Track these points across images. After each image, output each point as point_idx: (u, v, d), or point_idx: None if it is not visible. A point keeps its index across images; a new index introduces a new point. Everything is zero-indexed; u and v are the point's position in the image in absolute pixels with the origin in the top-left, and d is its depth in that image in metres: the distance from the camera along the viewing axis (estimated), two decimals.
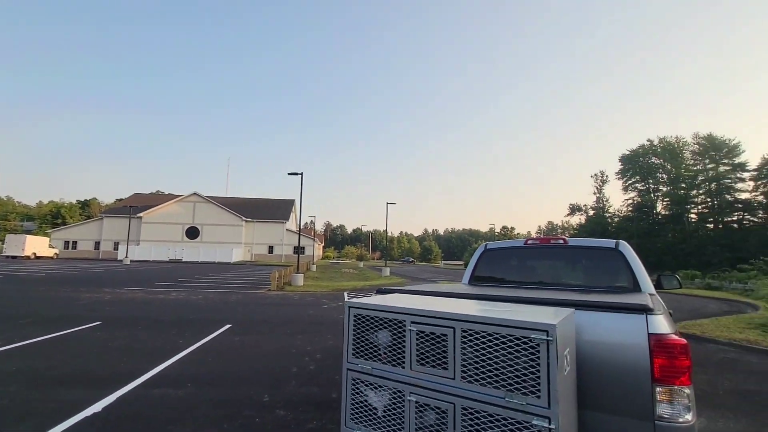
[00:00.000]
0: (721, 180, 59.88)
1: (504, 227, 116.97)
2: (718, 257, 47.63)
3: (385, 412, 2.06)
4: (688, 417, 2.03)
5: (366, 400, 2.12)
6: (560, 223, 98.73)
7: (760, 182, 55.97)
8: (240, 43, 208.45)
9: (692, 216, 62.80)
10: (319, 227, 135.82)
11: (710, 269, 42.12)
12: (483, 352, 1.77)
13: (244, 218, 59.50)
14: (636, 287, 3.71)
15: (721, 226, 59.07)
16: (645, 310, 2.14)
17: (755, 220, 56.11)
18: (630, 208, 67.93)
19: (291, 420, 3.95)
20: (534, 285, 4.25)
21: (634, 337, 2.12)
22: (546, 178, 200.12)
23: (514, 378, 1.69)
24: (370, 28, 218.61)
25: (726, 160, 59.99)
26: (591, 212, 73.69)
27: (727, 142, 59.91)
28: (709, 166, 61.31)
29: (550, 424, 1.56)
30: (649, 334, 2.09)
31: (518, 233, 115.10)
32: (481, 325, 1.77)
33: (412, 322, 1.98)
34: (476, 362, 1.79)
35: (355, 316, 2.23)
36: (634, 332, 2.13)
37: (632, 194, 68.32)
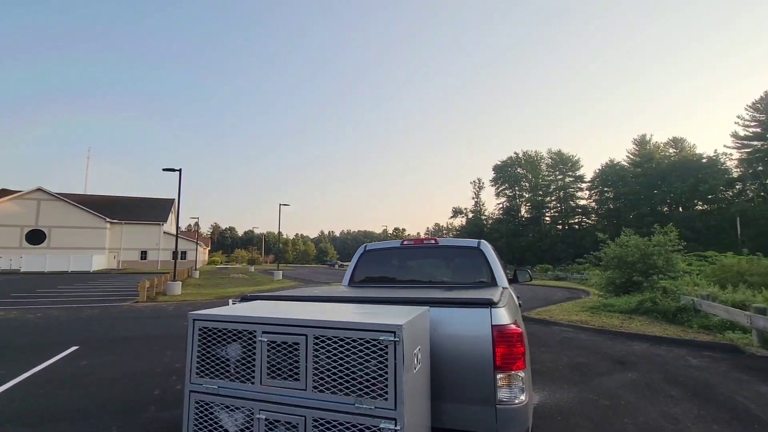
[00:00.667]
0: (567, 189, 72.43)
1: (396, 228, 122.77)
2: (565, 253, 57.43)
3: None
4: (523, 398, 2.30)
5: (214, 425, 1.91)
6: (445, 225, 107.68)
7: (592, 191, 69.42)
8: (113, 22, 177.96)
9: (547, 219, 74.54)
10: (206, 230, 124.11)
11: (559, 263, 50.61)
12: (335, 358, 1.74)
13: (108, 219, 51.03)
14: (494, 282, 4.15)
15: (567, 227, 71.39)
16: (490, 303, 2.37)
17: (589, 222, 69.32)
18: (501, 212, 77.64)
19: None
20: (409, 284, 4.45)
21: (481, 330, 2.32)
22: (434, 183, 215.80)
23: (366, 382, 1.69)
24: (259, 23, 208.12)
25: (570, 173, 72.82)
26: (470, 215, 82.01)
27: (571, 157, 72.70)
28: (559, 177, 73.67)
29: (396, 426, 1.60)
30: (492, 325, 2.31)
31: (409, 234, 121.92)
32: (333, 330, 1.74)
33: (264, 332, 1.85)
34: (328, 370, 1.75)
35: (200, 329, 2.00)
36: (480, 325, 2.33)
37: (503, 199, 78.33)
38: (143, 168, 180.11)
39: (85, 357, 6.92)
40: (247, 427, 1.88)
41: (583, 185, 71.61)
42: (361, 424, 1.64)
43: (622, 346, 8.01)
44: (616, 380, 5.69)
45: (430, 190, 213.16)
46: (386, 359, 1.65)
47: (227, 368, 1.94)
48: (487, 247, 4.44)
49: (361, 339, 1.69)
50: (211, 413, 1.92)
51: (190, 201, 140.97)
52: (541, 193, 73.52)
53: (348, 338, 1.71)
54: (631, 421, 4.21)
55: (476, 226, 75.21)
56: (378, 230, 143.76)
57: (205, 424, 1.92)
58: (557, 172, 73.81)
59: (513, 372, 2.29)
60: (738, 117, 57.72)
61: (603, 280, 15.43)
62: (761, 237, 44.65)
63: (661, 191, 60.75)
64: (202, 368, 1.96)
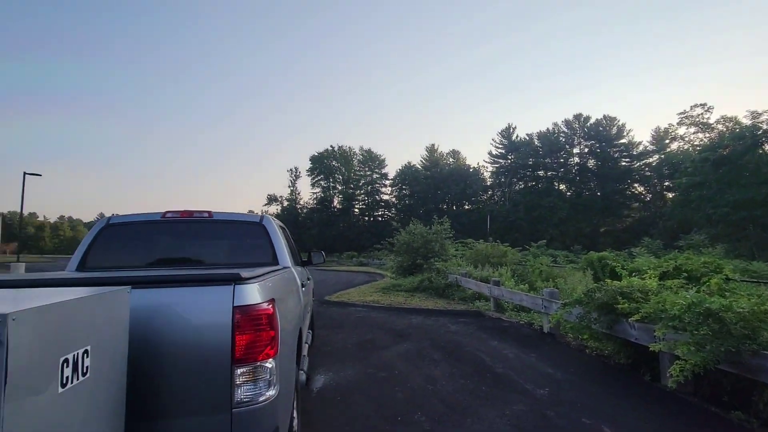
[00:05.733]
0: (374, 184, 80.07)
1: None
2: (370, 242, 63.40)
3: None
4: (270, 393, 1.87)
5: None
6: (259, 212, 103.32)
7: (394, 188, 78.94)
8: None
9: (356, 210, 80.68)
10: None
11: (365, 251, 55.54)
12: None
13: None
14: (275, 261, 3.67)
15: (372, 219, 79.03)
16: (234, 279, 1.84)
17: (390, 214, 78.73)
18: (315, 201, 79.55)
19: None
20: (168, 265, 3.53)
21: (217, 313, 1.77)
22: (249, 169, 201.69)
23: None
24: None
25: (377, 170, 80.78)
26: (286, 203, 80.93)
27: (378, 156, 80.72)
28: (368, 173, 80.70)
29: None
30: (234, 306, 1.78)
31: None
32: None
33: None
34: None
35: None
36: (217, 307, 1.78)
37: (318, 189, 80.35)
38: None
39: None
40: None
41: (387, 182, 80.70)
42: None
43: (403, 320, 8.92)
44: (394, 352, 6.13)
45: (246, 175, 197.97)
46: None
47: None
48: (272, 224, 3.93)
49: None
50: None
51: None
52: (352, 186, 78.82)
53: None
54: (401, 389, 4.48)
55: (291, 214, 74.77)
56: None
57: None
58: (367, 168, 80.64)
59: (258, 363, 1.83)
60: (492, 140, 76.10)
61: (395, 264, 17.36)
62: (502, 230, 61.24)
63: (442, 192, 74.22)
64: None
